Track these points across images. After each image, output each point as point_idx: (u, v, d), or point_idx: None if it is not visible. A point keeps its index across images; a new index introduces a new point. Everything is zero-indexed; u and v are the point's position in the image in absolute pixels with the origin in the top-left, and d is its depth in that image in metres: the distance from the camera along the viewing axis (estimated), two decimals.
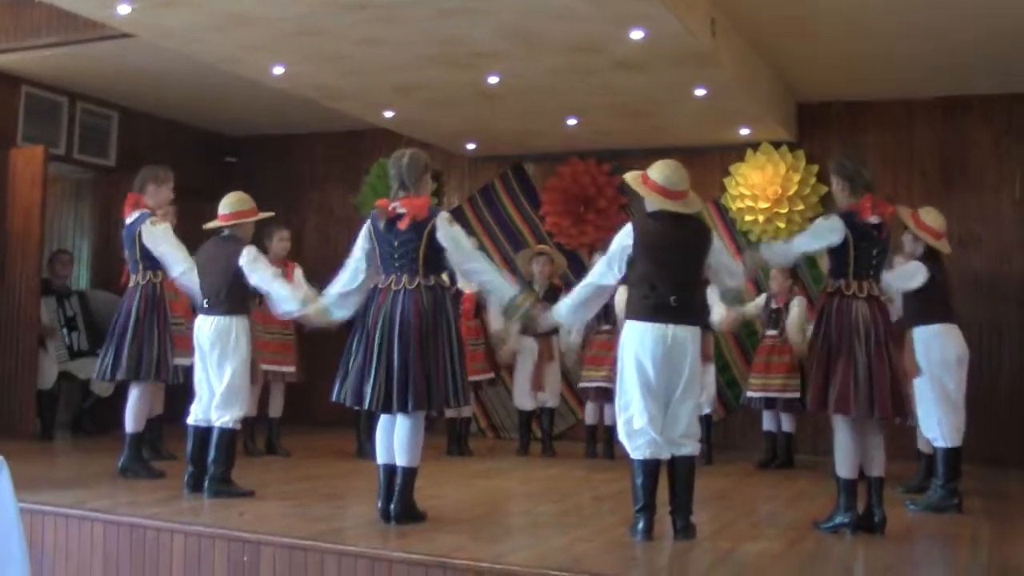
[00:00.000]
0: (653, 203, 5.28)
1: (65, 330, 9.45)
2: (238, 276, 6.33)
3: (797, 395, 8.09)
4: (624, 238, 5.26)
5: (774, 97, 8.98)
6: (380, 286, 5.48)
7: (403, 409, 5.29)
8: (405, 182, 5.52)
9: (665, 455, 5.19)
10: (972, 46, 7.88)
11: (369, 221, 5.57)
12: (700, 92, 8.05)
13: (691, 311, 5.26)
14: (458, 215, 10.74)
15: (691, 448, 5.22)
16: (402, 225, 5.38)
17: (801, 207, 9.50)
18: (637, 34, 6.71)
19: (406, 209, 5.40)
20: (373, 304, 5.45)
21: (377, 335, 5.35)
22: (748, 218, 9.71)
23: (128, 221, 7.07)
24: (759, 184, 9.63)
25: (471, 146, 10.49)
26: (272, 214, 6.95)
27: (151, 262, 6.95)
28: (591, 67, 7.54)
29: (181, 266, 6.80)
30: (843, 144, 9.47)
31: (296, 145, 11.64)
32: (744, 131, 9.38)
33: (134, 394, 7.05)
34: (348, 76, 7.98)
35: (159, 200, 7.20)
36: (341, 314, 5.76)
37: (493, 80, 7.95)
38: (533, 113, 9.00)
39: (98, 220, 10.63)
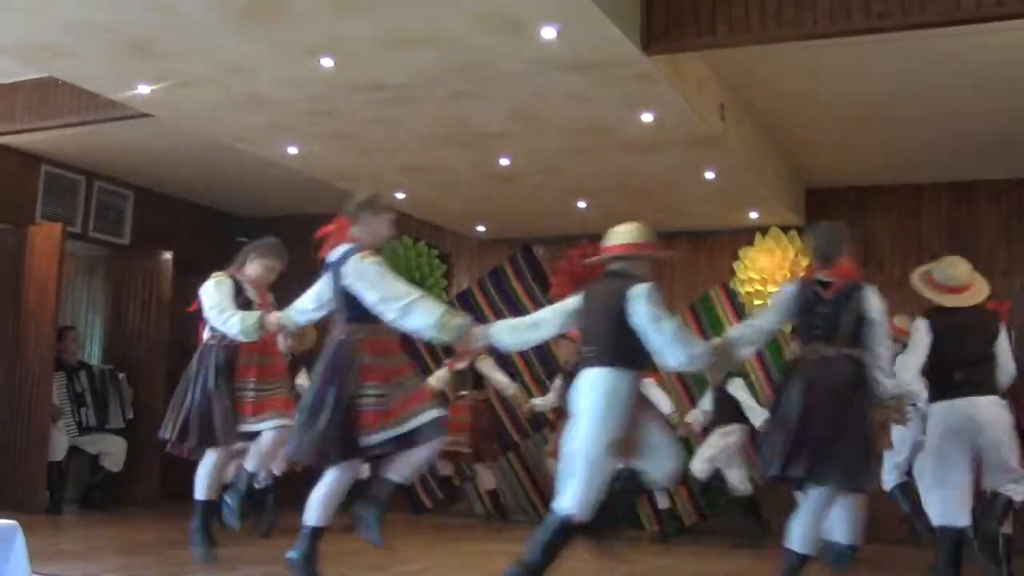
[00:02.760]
0: (939, 301, 5.87)
1: (74, 406, 9.47)
2: (625, 321, 5.03)
3: None
4: (924, 334, 5.82)
5: (783, 181, 9.06)
6: (803, 355, 5.35)
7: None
8: (822, 253, 5.42)
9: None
10: (981, 132, 7.98)
11: (793, 288, 5.48)
12: (709, 175, 8.13)
13: (982, 385, 5.74)
14: (467, 297, 10.84)
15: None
16: (828, 294, 5.26)
17: None
18: (647, 116, 6.81)
19: (830, 278, 5.28)
20: (797, 375, 5.31)
21: (802, 404, 5.16)
22: (757, 302, 9.73)
23: None
24: (768, 268, 9.67)
25: (480, 228, 10.58)
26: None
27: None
28: (600, 149, 7.63)
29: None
30: (852, 228, 9.50)
31: (307, 226, 11.53)
32: (753, 215, 9.45)
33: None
34: (359, 156, 8.09)
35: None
36: None
37: (503, 162, 8.04)
38: (542, 195, 9.08)
39: (110, 298, 10.70)
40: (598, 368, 5.01)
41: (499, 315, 10.52)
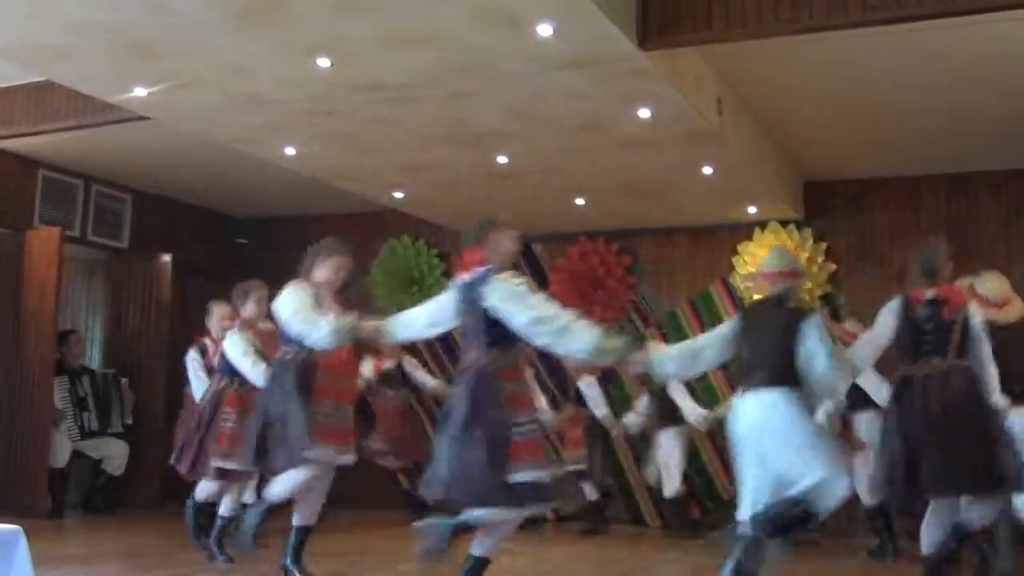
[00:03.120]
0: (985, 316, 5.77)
1: (76, 410, 9.48)
2: (795, 345, 5.11)
3: None
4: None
5: (781, 176, 9.07)
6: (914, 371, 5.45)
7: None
8: (928, 269, 5.57)
9: None
10: (978, 125, 7.99)
11: (897, 304, 5.55)
12: (708, 171, 8.13)
13: None
14: None
15: None
16: (942, 312, 5.43)
17: (809, 285, 9.54)
18: (644, 113, 6.82)
19: (939, 295, 5.46)
20: (912, 390, 5.41)
21: (925, 419, 5.30)
22: (756, 297, 9.73)
23: None
24: None
25: None
26: None
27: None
28: (599, 146, 7.64)
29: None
30: (850, 222, 9.56)
31: (307, 227, 11.68)
32: (752, 209, 9.46)
33: None
34: (359, 156, 8.10)
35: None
36: None
37: (502, 160, 8.06)
38: (541, 193, 9.09)
39: (110, 301, 10.71)
40: (774, 389, 5.00)
41: None
